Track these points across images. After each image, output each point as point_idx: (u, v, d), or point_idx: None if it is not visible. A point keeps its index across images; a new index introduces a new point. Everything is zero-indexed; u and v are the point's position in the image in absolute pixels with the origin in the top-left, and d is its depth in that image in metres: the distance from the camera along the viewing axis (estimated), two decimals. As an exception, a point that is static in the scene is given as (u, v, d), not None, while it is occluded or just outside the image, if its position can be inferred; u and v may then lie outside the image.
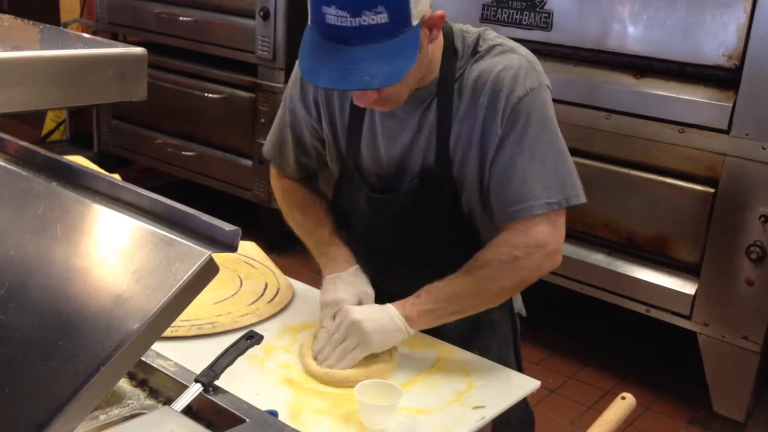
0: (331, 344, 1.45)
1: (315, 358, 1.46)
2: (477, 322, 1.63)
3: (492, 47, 1.46)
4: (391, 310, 1.47)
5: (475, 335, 1.65)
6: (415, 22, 1.30)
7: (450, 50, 1.46)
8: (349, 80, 1.30)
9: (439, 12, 1.36)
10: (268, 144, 1.74)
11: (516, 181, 1.43)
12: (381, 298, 1.55)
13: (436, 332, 1.59)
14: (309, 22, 1.34)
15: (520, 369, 1.71)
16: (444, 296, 1.47)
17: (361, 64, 1.28)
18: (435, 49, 1.43)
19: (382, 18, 1.26)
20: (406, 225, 1.57)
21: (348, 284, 1.54)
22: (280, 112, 1.69)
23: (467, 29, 1.51)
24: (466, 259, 1.49)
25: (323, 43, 1.31)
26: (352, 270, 1.57)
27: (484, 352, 1.60)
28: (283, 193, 1.74)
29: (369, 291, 1.55)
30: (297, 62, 1.59)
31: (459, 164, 1.48)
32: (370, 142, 1.55)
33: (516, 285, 1.52)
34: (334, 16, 1.26)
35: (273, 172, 1.77)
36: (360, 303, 1.52)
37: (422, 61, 1.37)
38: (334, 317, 1.49)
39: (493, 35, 1.50)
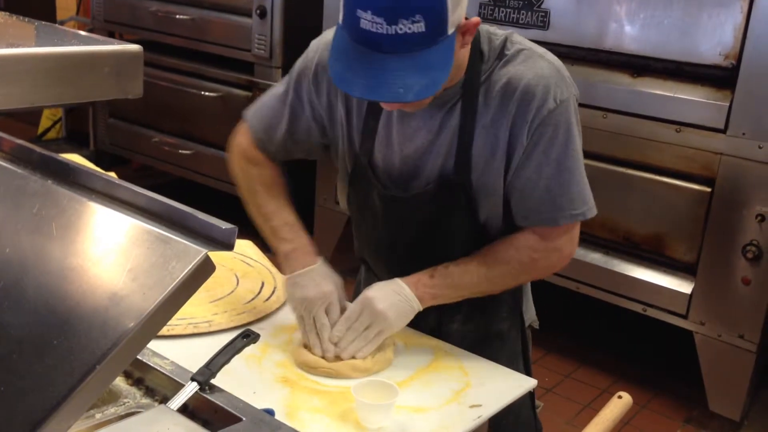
0: (353, 332, 1.45)
1: (323, 350, 1.46)
2: (485, 334, 1.62)
3: (519, 51, 1.43)
4: (405, 290, 1.46)
5: (484, 347, 1.61)
6: (451, 30, 1.26)
7: (476, 53, 1.42)
8: (382, 92, 1.26)
9: (474, 19, 1.32)
10: (256, 116, 1.63)
11: (541, 191, 1.44)
12: None
13: (440, 337, 1.58)
14: (340, 22, 1.29)
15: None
16: (458, 283, 1.48)
17: (394, 74, 1.23)
18: (464, 53, 1.39)
19: (419, 27, 1.21)
20: (419, 227, 1.54)
21: (326, 277, 1.52)
22: (280, 90, 1.60)
23: (494, 31, 1.47)
24: None
25: (355, 47, 1.26)
26: (319, 262, 1.54)
27: None
28: (249, 162, 1.63)
29: (338, 286, 1.53)
30: (313, 47, 1.56)
31: (480, 171, 1.45)
32: (384, 139, 1.51)
33: (525, 281, 1.56)
34: (369, 21, 1.21)
35: (243, 137, 1.65)
36: (340, 296, 1.51)
37: (453, 66, 1.32)
38: (309, 312, 1.48)
39: (519, 39, 1.46)
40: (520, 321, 1.67)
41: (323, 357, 1.46)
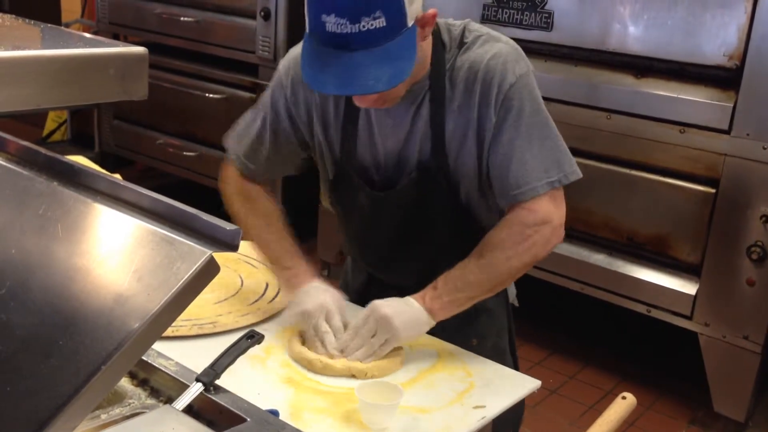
0: (360, 338, 1.46)
1: (330, 354, 1.47)
2: (473, 310, 1.64)
3: (477, 37, 1.51)
4: (414, 304, 1.49)
5: (473, 323, 1.67)
6: (410, 22, 1.33)
7: (438, 44, 1.50)
8: (354, 85, 1.32)
9: (431, 10, 1.39)
10: (235, 142, 1.69)
11: (516, 165, 1.48)
12: (378, 290, 1.57)
13: (432, 328, 1.60)
14: (307, 30, 1.36)
15: (514, 357, 1.74)
16: (462, 284, 1.50)
17: (363, 68, 1.30)
18: (426, 45, 1.46)
19: (380, 22, 1.29)
20: (405, 219, 1.59)
21: (323, 291, 1.55)
22: (257, 115, 1.66)
23: (452, 22, 1.55)
24: (467, 248, 1.52)
25: (323, 51, 1.33)
26: (319, 281, 1.58)
27: (481, 340, 1.65)
28: (243, 197, 1.68)
29: (343, 296, 1.57)
30: (284, 63, 1.62)
31: (455, 155, 1.51)
32: (367, 140, 1.57)
33: (528, 262, 1.54)
34: (333, 23, 1.29)
35: (230, 171, 1.71)
36: (340, 307, 1.53)
37: (418, 58, 1.39)
38: (326, 319, 1.50)
39: (476, 26, 1.54)
40: (505, 297, 1.72)
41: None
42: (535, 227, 1.49)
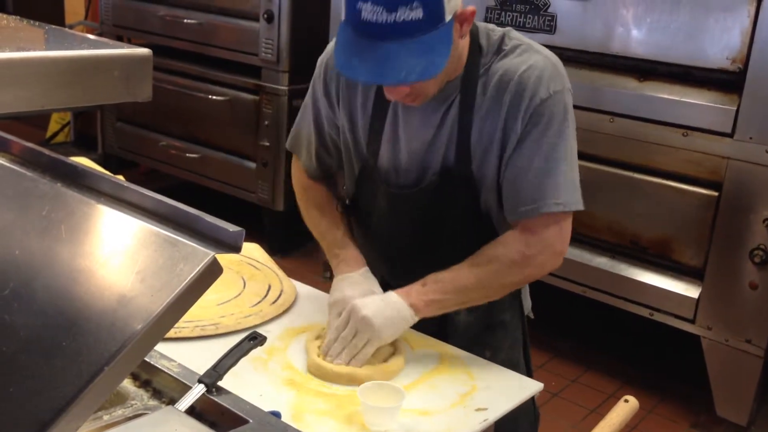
0: (341, 341, 1.46)
1: (322, 356, 1.47)
2: (488, 323, 1.65)
3: (517, 46, 1.48)
4: (396, 300, 1.48)
5: (487, 336, 1.65)
6: (448, 17, 1.32)
7: (475, 47, 1.48)
8: (386, 75, 1.32)
9: (470, 8, 1.38)
10: (292, 138, 1.75)
11: (530, 182, 1.46)
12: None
13: (446, 332, 1.60)
14: (343, 18, 1.36)
15: (529, 370, 1.72)
16: (451, 288, 1.49)
17: (397, 59, 1.29)
18: (463, 45, 1.45)
19: (417, 14, 1.27)
20: (424, 221, 1.59)
21: (355, 283, 1.55)
22: (305, 108, 1.69)
23: (492, 28, 1.53)
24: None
25: (358, 40, 1.32)
26: (361, 271, 1.58)
27: (494, 353, 1.62)
28: (303, 189, 1.76)
29: (377, 290, 1.55)
30: (321, 58, 1.63)
31: (479, 161, 1.50)
32: (392, 138, 1.56)
33: (520, 282, 1.56)
34: (369, 11, 1.28)
35: (296, 165, 1.78)
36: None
37: (453, 56, 1.37)
38: (340, 314, 1.50)
39: (517, 35, 1.51)
40: (520, 310, 1.71)
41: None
42: (535, 248, 1.48)
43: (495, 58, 1.47)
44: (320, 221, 1.70)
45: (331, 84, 1.59)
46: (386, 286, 1.57)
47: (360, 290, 1.53)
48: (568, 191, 1.46)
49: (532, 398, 1.67)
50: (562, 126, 1.45)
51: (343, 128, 1.61)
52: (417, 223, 1.59)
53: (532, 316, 1.77)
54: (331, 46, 1.61)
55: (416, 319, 1.49)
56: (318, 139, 1.68)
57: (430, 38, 1.29)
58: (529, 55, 1.46)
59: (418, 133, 1.52)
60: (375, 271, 1.71)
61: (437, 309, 1.51)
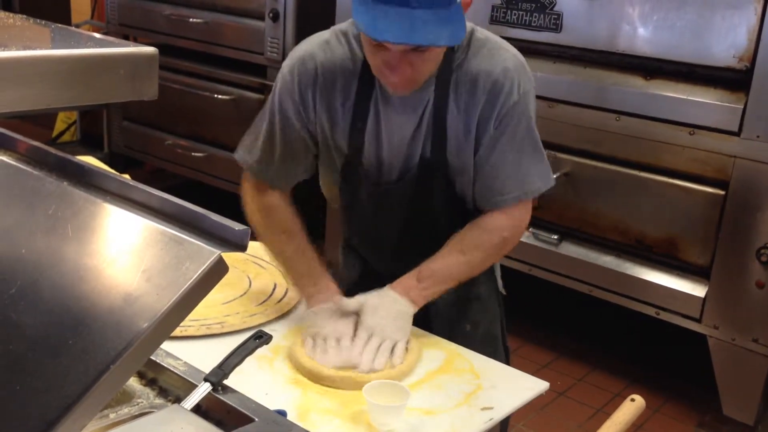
0: (370, 353, 1.47)
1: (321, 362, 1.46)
2: (466, 298, 1.74)
3: (485, 43, 1.56)
4: (398, 300, 1.54)
5: (466, 310, 1.75)
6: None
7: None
8: (415, 37, 1.35)
9: None
10: (245, 154, 1.68)
11: (504, 175, 1.57)
12: (373, 281, 1.60)
13: (426, 310, 1.63)
14: None
15: (505, 344, 1.82)
16: (444, 278, 1.59)
17: (424, 24, 1.34)
18: None
19: None
20: (405, 212, 1.64)
21: (334, 314, 1.55)
22: (264, 118, 1.65)
23: None
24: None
25: (381, 6, 1.35)
26: (336, 299, 1.57)
27: (475, 327, 1.74)
28: (264, 213, 1.67)
29: (351, 319, 1.56)
30: (288, 66, 1.61)
31: (454, 152, 1.57)
32: (374, 135, 1.59)
33: (497, 260, 1.75)
34: None
35: (248, 186, 1.69)
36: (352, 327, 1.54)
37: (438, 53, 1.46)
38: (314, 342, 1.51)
39: (483, 31, 1.59)
40: (495, 285, 1.81)
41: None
42: (513, 231, 1.64)
43: (465, 56, 1.54)
44: (286, 247, 1.65)
45: (306, 90, 1.58)
46: (374, 275, 1.66)
47: (342, 323, 1.53)
48: (539, 178, 1.60)
49: (503, 340, 1.82)
50: (530, 122, 1.57)
51: (323, 129, 1.60)
52: (399, 213, 1.65)
53: (504, 292, 1.86)
54: (295, 53, 1.62)
55: (415, 311, 1.56)
56: (286, 149, 1.63)
57: (448, 13, 1.36)
58: (499, 55, 1.54)
59: (399, 130, 1.57)
60: (354, 263, 1.81)
61: (431, 299, 1.60)
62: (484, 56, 1.53)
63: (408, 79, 1.45)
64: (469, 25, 1.55)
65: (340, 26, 1.62)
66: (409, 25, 1.33)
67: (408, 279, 1.57)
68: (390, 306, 1.53)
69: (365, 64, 1.53)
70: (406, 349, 1.51)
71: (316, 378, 1.43)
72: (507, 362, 1.76)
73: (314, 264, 1.63)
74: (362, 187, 1.65)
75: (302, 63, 1.58)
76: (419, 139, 1.57)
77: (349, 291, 1.65)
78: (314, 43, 1.61)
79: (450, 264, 1.59)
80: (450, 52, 1.52)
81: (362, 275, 1.79)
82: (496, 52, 1.55)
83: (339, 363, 1.46)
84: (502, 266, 1.89)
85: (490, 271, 1.77)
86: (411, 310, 1.55)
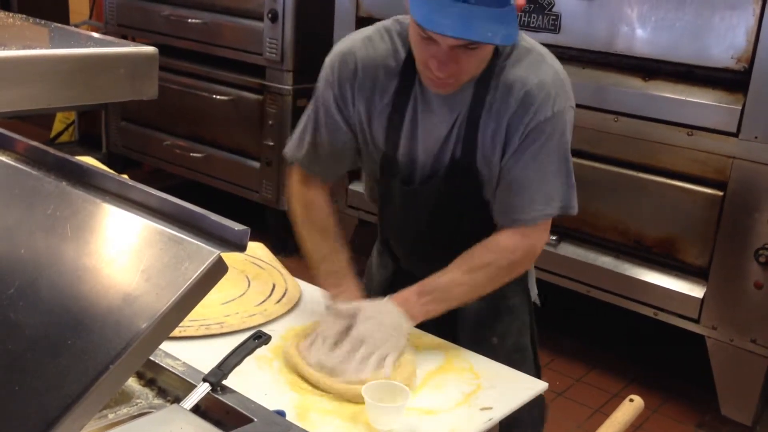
0: (354, 363, 1.42)
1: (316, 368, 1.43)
2: (496, 308, 1.68)
3: (529, 52, 1.52)
4: (394, 311, 1.50)
5: (495, 321, 1.70)
6: (513, 1, 1.37)
7: (494, 49, 1.50)
8: (471, 32, 1.34)
9: (521, 0, 1.41)
10: (295, 149, 1.70)
11: (523, 193, 1.53)
12: (403, 283, 1.59)
13: (454, 320, 1.62)
14: None
15: (535, 356, 1.76)
16: (447, 296, 1.55)
17: (480, 21, 1.33)
18: None
19: None
20: (435, 214, 1.62)
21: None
22: (309, 114, 1.67)
23: None
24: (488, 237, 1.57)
25: (440, 1, 1.34)
26: (363, 301, 1.56)
27: (502, 338, 1.68)
28: (305, 208, 1.70)
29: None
30: (329, 60, 1.62)
31: (483, 156, 1.54)
32: (409, 134, 1.58)
33: (508, 281, 1.62)
34: None
35: (293, 179, 1.73)
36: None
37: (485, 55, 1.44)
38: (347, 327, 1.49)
39: (529, 40, 1.55)
40: (527, 296, 1.75)
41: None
42: (522, 252, 1.57)
43: (506, 63, 1.50)
44: (321, 247, 1.67)
45: (345, 85, 1.59)
46: (405, 275, 1.64)
47: (339, 326, 1.50)
48: (558, 202, 1.55)
49: (534, 353, 1.76)
50: (560, 141, 1.52)
51: (361, 124, 1.61)
52: (427, 215, 1.63)
53: (538, 303, 1.80)
54: (337, 47, 1.62)
55: (412, 327, 1.52)
56: (330, 145, 1.65)
57: (504, 12, 1.35)
58: (538, 67, 1.50)
59: (434, 129, 1.56)
60: (387, 263, 1.79)
61: (432, 316, 1.55)
62: (524, 65, 1.50)
63: (453, 74, 1.44)
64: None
65: (384, 23, 1.61)
66: (465, 21, 1.32)
67: (408, 292, 1.54)
68: (385, 316, 1.49)
69: (407, 62, 1.53)
70: (399, 362, 1.46)
71: (304, 378, 1.42)
72: (536, 377, 1.70)
73: (343, 266, 1.64)
74: (395, 184, 1.64)
75: (342, 58, 1.59)
76: (451, 140, 1.55)
77: (381, 291, 1.66)
78: (356, 39, 1.60)
79: (453, 282, 1.54)
80: (494, 57, 1.50)
81: (394, 274, 1.78)
82: (538, 64, 1.51)
83: (324, 365, 1.42)
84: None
85: (522, 281, 1.72)
86: (407, 323, 1.50)
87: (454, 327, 1.64)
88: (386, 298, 1.53)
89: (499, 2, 1.34)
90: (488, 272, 1.55)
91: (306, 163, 1.69)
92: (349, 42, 1.61)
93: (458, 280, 1.54)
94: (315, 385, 1.40)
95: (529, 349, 1.75)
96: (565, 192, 1.55)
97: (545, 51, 1.55)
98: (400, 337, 1.48)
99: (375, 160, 1.66)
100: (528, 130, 1.49)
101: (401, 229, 1.73)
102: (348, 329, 1.49)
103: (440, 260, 1.56)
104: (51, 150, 0.99)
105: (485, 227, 1.59)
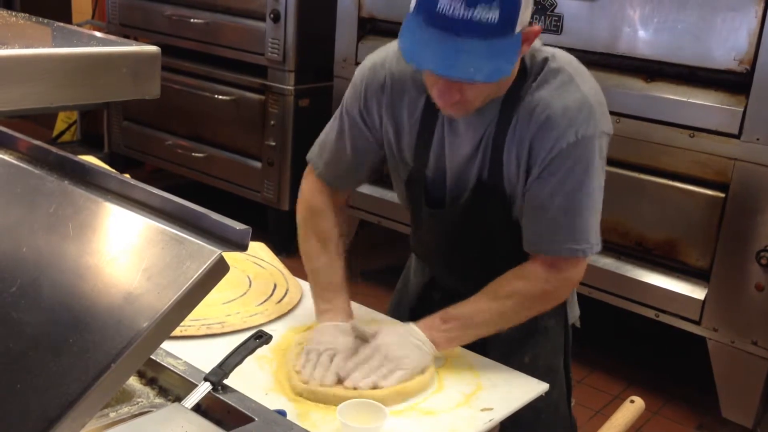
0: (364, 370, 1.41)
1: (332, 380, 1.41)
2: (530, 330, 1.63)
3: (557, 74, 1.44)
4: (418, 334, 1.47)
5: (527, 342, 1.65)
6: (518, 29, 1.30)
7: (522, 69, 1.45)
8: (455, 69, 1.28)
9: (536, 27, 1.36)
10: (317, 153, 1.68)
11: (551, 219, 1.46)
12: (437, 294, 1.59)
13: (485, 340, 1.58)
14: (411, 10, 1.33)
15: (568, 379, 1.72)
16: (472, 324, 1.50)
17: (467, 55, 1.27)
18: (516, 65, 1.41)
19: (493, 15, 1.25)
20: (462, 233, 1.59)
21: (346, 333, 1.50)
22: (335, 126, 1.64)
23: (538, 48, 1.48)
24: (520, 255, 1.52)
25: (427, 30, 1.29)
26: (347, 323, 1.53)
27: (534, 359, 1.63)
28: (310, 214, 1.67)
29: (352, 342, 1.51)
30: (359, 77, 1.58)
31: (509, 178, 1.49)
32: (437, 152, 1.54)
33: (538, 313, 1.57)
34: (447, 4, 1.25)
35: (307, 183, 1.70)
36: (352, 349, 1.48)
37: (512, 71, 1.37)
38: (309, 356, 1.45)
39: (564, 59, 1.48)
40: (564, 318, 1.69)
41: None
42: (555, 284, 1.51)
43: (534, 84, 1.44)
44: (319, 256, 1.63)
45: (372, 99, 1.55)
46: (434, 285, 1.65)
47: (338, 343, 1.47)
48: (584, 237, 1.47)
49: (569, 406, 1.72)
50: (588, 169, 1.44)
51: (389, 139, 1.58)
52: (453, 236, 1.60)
53: (578, 325, 1.75)
54: (371, 57, 1.58)
55: (436, 353, 1.48)
56: (353, 154, 1.63)
57: (500, 44, 1.28)
58: (568, 91, 1.42)
59: (460, 149, 1.51)
60: (424, 270, 1.76)
61: (457, 344, 1.53)
62: (551, 87, 1.43)
63: (456, 104, 1.39)
64: (549, 50, 1.48)
65: None
66: (451, 55, 1.26)
67: (432, 318, 1.49)
68: (407, 338, 1.46)
69: None
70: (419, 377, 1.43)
71: (299, 392, 1.39)
72: (567, 398, 1.69)
73: (337, 281, 1.60)
74: (420, 205, 1.60)
75: (373, 69, 1.55)
76: (476, 160, 1.50)
77: (416, 294, 1.64)
78: (390, 51, 1.56)
79: (478, 310, 1.49)
80: (522, 77, 1.44)
81: (431, 280, 1.76)
82: (567, 86, 1.43)
83: (327, 381, 1.39)
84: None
85: (561, 304, 1.65)
86: (430, 349, 1.46)
87: (484, 346, 1.59)
88: (410, 323, 1.50)
89: (493, 33, 1.27)
90: (517, 300, 1.50)
91: (323, 169, 1.67)
92: (383, 53, 1.57)
93: (483, 307, 1.50)
94: (315, 399, 1.39)
95: (562, 372, 1.70)
96: (590, 230, 1.48)
97: (578, 71, 1.47)
98: (418, 358, 1.44)
99: (401, 178, 1.62)
100: (551, 157, 1.41)
101: (433, 251, 1.70)
102: (349, 343, 1.47)
103: (475, 279, 1.52)
104: (53, 149, 0.99)
105: (519, 246, 1.53)
